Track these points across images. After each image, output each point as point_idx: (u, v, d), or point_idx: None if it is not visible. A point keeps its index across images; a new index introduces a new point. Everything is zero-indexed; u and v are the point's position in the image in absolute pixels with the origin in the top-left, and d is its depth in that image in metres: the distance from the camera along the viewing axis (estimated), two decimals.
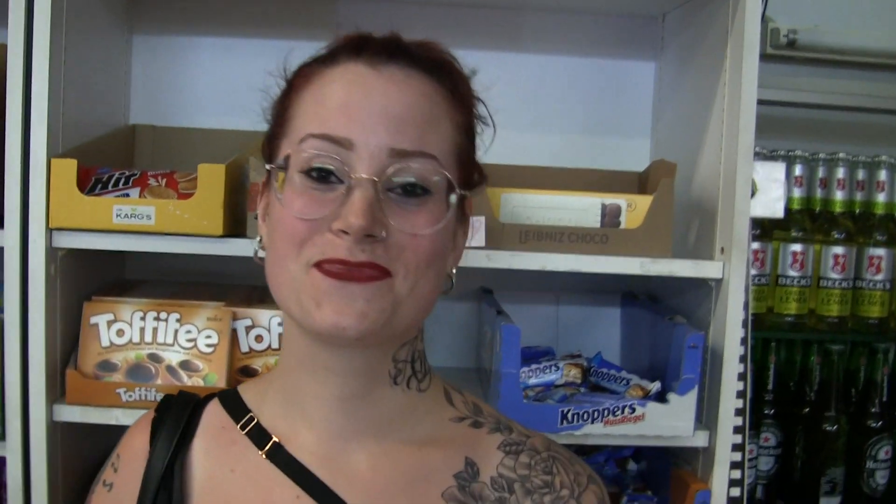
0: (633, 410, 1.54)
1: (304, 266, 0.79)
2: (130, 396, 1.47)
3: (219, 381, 1.49)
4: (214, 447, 0.91)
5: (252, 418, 0.90)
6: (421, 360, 0.91)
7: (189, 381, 1.49)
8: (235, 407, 0.93)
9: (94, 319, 1.52)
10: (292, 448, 0.87)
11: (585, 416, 1.53)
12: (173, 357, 1.51)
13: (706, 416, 1.63)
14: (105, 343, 1.51)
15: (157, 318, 1.52)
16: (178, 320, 1.52)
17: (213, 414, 0.94)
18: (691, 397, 1.55)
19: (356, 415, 0.87)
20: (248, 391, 0.95)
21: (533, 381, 1.66)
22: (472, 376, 1.86)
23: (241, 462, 0.88)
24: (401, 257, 0.79)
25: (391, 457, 0.87)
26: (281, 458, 0.87)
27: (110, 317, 1.52)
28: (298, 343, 0.86)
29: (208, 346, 1.52)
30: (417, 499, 0.86)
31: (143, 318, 1.52)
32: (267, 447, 0.88)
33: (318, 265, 0.78)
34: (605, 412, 1.53)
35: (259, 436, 0.89)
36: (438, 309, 2.05)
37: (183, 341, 1.52)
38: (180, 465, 0.89)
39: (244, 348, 1.54)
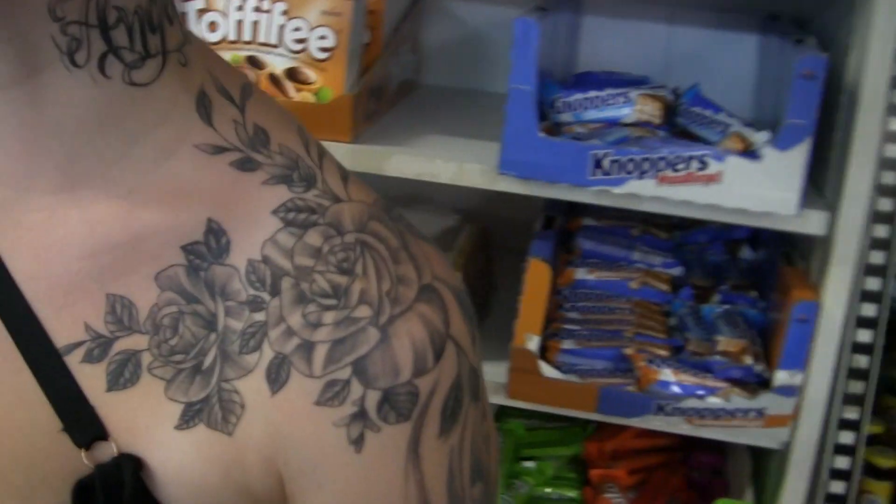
0: (705, 166, 1.04)
1: None
2: None
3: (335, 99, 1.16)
4: None
5: None
6: (139, 25, 0.47)
7: (297, 95, 1.16)
8: None
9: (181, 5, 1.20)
10: None
11: (631, 165, 1.05)
12: (278, 63, 1.18)
13: (829, 190, 1.12)
14: None
15: (258, 10, 1.18)
16: (284, 12, 1.18)
17: None
18: (799, 155, 1.03)
19: (11, 123, 0.48)
20: None
21: (589, 114, 1.19)
22: None
23: None
24: None
25: (80, 207, 0.49)
26: None
27: (201, 4, 1.19)
28: None
29: (322, 49, 1.17)
30: (111, 281, 0.49)
31: (240, 8, 1.18)
32: None
33: None
34: (662, 164, 1.05)
35: None
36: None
37: (290, 42, 1.18)
38: None
39: None
